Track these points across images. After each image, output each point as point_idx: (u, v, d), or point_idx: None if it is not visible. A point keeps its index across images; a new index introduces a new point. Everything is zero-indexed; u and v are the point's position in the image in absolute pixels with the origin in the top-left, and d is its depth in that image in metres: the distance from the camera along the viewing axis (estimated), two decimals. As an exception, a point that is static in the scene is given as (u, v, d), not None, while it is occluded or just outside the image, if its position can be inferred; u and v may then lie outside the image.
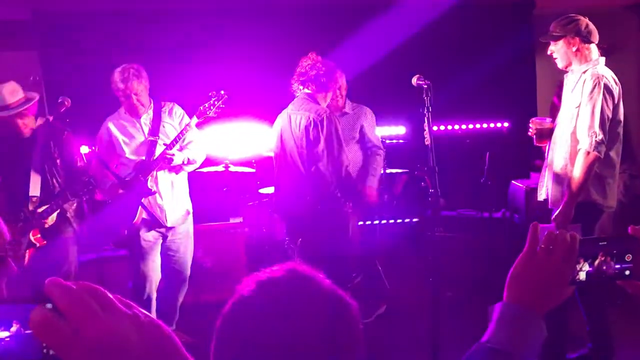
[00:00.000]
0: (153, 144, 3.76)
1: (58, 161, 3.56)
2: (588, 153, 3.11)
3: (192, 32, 5.75)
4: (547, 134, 3.50)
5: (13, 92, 3.37)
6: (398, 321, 4.41)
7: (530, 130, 3.58)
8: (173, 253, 3.93)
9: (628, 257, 1.07)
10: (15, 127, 3.40)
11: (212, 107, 3.75)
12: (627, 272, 1.08)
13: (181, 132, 3.70)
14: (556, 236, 1.04)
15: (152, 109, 3.84)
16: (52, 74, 5.60)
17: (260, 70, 5.68)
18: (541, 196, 3.51)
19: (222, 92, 3.75)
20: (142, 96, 3.72)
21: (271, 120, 4.13)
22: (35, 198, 3.44)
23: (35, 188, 3.45)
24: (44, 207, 3.41)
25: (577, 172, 3.15)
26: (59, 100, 3.34)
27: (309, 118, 3.67)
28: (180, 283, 4.01)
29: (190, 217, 4.01)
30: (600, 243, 1.08)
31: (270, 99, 5.12)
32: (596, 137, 3.09)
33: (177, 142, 3.69)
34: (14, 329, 0.62)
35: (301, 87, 3.79)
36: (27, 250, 3.40)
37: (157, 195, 3.74)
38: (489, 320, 1.03)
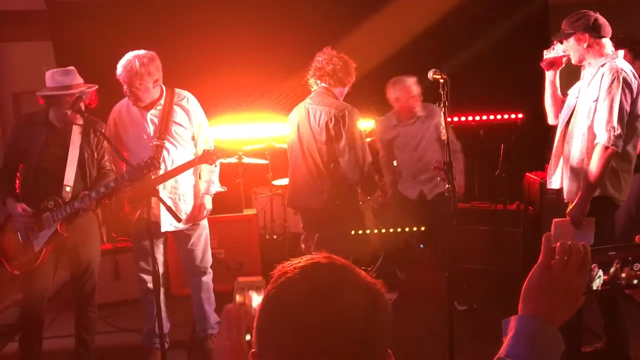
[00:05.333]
0: (159, 149, 3.48)
1: (95, 154, 3.46)
2: (606, 147, 3.07)
3: (207, 20, 5.74)
4: (558, 64, 3.51)
5: (77, 76, 3.38)
6: (413, 314, 4.41)
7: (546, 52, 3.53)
8: (183, 246, 3.80)
9: (636, 267, 1.08)
10: (63, 112, 3.30)
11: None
12: (635, 281, 1.09)
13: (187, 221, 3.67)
14: (570, 247, 1.04)
15: (164, 100, 3.51)
16: (66, 63, 5.59)
17: (274, 62, 5.67)
18: (551, 184, 3.48)
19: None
20: (141, 90, 3.40)
21: (285, 111, 4.11)
22: (68, 188, 3.31)
23: (69, 178, 3.32)
24: (77, 199, 3.28)
25: (594, 166, 3.12)
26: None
27: (330, 113, 3.62)
28: (194, 280, 3.85)
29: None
30: (610, 252, 1.08)
31: (284, 90, 5.13)
32: (614, 131, 3.06)
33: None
34: None
35: (318, 82, 3.75)
36: (45, 247, 3.31)
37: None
38: (504, 333, 1.02)
